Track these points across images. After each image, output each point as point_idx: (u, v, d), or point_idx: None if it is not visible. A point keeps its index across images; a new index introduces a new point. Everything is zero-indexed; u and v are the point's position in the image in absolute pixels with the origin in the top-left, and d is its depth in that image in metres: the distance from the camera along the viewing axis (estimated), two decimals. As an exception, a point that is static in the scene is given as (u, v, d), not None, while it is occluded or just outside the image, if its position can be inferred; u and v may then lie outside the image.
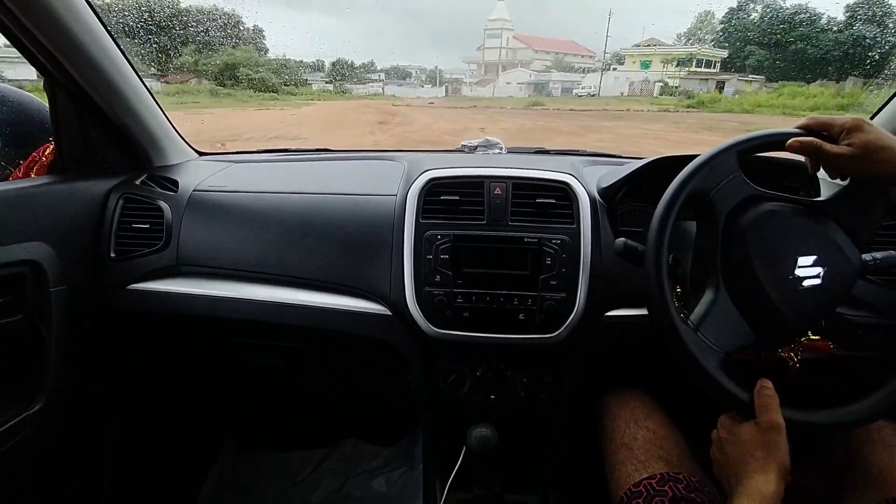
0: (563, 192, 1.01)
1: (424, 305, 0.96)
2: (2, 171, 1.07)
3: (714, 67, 19.61)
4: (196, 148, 1.39)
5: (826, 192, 1.02)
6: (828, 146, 0.72)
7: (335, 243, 1.05)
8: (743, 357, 0.78)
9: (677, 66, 20.55)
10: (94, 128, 1.09)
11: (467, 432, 0.94)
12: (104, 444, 1.20)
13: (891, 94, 1.11)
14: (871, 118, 1.17)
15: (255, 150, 1.50)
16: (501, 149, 1.42)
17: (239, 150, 1.49)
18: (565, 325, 0.95)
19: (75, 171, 1.09)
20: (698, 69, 19.96)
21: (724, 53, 18.67)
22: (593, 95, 21.03)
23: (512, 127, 11.07)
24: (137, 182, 1.14)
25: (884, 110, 1.12)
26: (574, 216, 0.99)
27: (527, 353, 1.01)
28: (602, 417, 1.00)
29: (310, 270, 1.04)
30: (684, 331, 0.71)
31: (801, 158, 0.86)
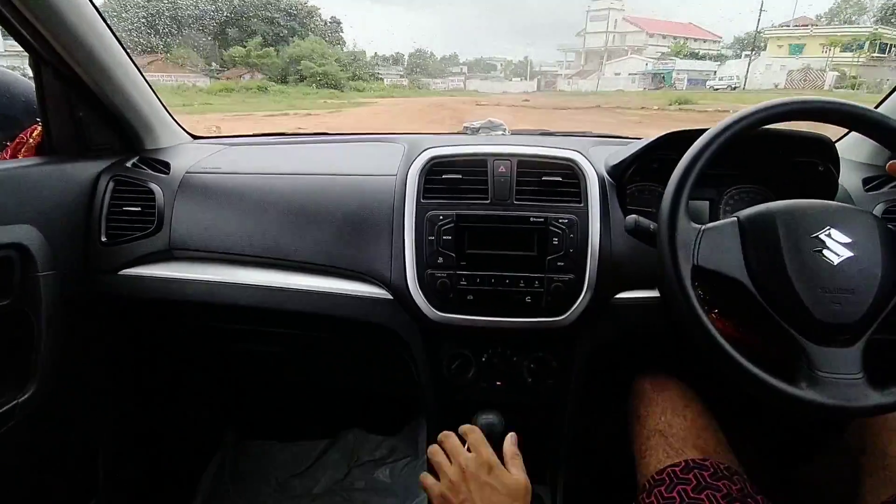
0: (569, 170, 0.97)
1: (427, 288, 0.92)
2: (-13, 154, 1.03)
3: (890, 52, 15.38)
4: (190, 132, 1.36)
5: (845, 168, 0.98)
6: None
7: (333, 225, 1.01)
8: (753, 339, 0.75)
9: (845, 50, 16.25)
10: (82, 108, 1.05)
11: (472, 419, 0.91)
12: (100, 431, 1.17)
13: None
14: (877, 106, 1.12)
15: (251, 133, 1.46)
16: (505, 130, 1.38)
17: (235, 133, 1.46)
18: (573, 308, 0.91)
19: (64, 154, 1.05)
20: (880, 55, 15.35)
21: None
22: (735, 88, 16.24)
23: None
24: (128, 164, 1.10)
25: (890, 98, 1.09)
26: (581, 195, 0.95)
27: (534, 338, 0.98)
28: (636, 403, 0.97)
29: (307, 254, 1.01)
30: (682, 258, 0.69)
31: (822, 130, 0.82)
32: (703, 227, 0.72)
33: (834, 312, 0.66)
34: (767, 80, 16.37)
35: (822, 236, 0.68)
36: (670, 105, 12.34)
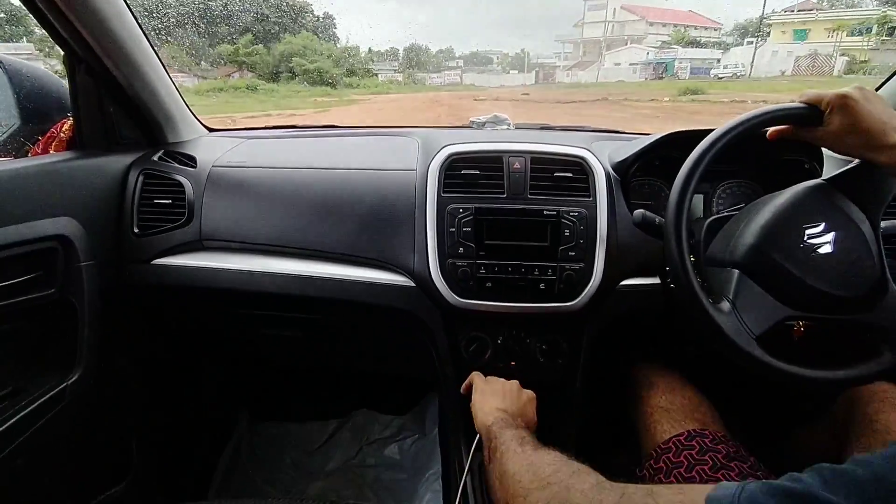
0: (579, 167, 1.04)
1: (448, 277, 0.99)
2: (21, 147, 1.06)
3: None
4: (206, 124, 1.39)
5: (827, 164, 1.07)
6: (804, 132, 0.76)
7: (357, 217, 1.07)
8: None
9: (852, 34, 15.38)
10: (111, 103, 1.09)
11: None
12: (133, 414, 1.23)
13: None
14: (878, 89, 1.16)
15: (264, 126, 1.50)
16: (509, 125, 1.44)
17: (249, 126, 1.50)
18: (584, 294, 0.99)
19: (93, 147, 1.09)
20: (887, 38, 14.55)
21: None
22: (741, 76, 15.66)
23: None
24: (155, 158, 1.15)
25: (890, 81, 1.13)
26: (590, 189, 1.02)
27: (546, 321, 1.05)
28: (638, 386, 1.05)
29: (332, 244, 1.07)
30: (709, 306, 0.74)
31: None
32: (731, 300, 0.76)
33: (864, 281, 0.74)
34: (773, 67, 15.72)
35: (806, 238, 0.76)
36: (681, 96, 11.68)
